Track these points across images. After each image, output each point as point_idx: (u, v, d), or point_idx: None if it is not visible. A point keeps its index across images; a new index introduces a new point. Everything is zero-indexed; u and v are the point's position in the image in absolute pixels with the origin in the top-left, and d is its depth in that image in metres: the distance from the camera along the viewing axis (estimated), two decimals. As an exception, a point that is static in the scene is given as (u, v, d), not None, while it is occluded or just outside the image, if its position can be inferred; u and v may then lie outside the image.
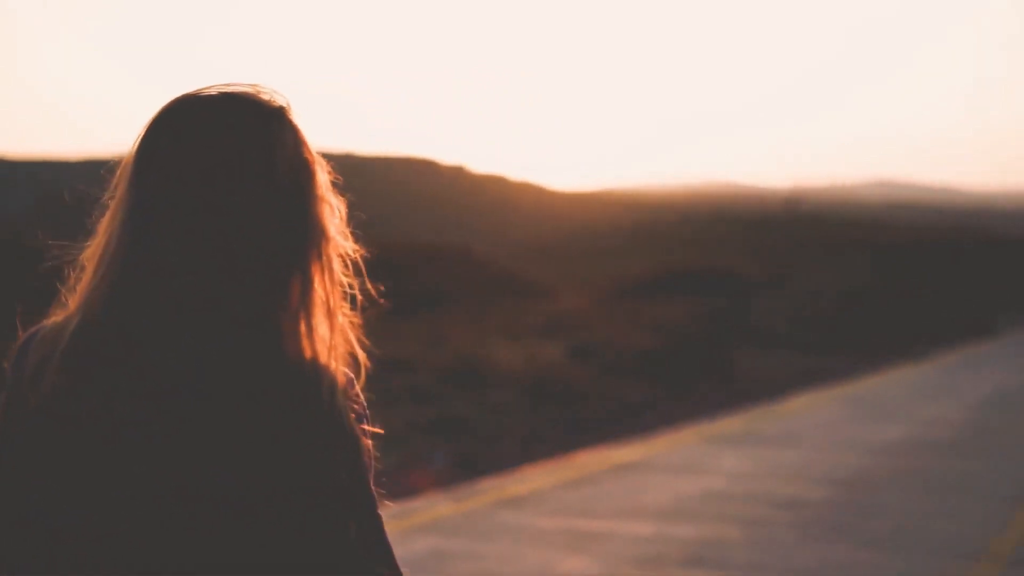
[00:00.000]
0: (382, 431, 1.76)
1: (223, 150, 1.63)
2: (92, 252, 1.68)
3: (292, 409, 1.62)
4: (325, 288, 1.67)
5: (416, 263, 32.66)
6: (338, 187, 1.73)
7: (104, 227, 1.67)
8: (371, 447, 1.71)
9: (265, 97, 1.68)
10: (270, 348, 1.63)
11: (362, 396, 1.74)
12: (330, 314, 1.68)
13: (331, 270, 1.68)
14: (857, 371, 21.20)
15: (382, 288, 1.86)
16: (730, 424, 14.68)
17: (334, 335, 1.68)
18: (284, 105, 1.69)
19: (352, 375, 1.72)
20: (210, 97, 1.66)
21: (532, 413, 15.39)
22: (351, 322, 1.73)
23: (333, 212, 1.70)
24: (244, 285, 1.61)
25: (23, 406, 1.63)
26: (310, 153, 1.69)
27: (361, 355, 1.74)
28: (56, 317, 1.70)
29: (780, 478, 11.09)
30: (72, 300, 1.69)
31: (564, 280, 38.15)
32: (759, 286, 34.78)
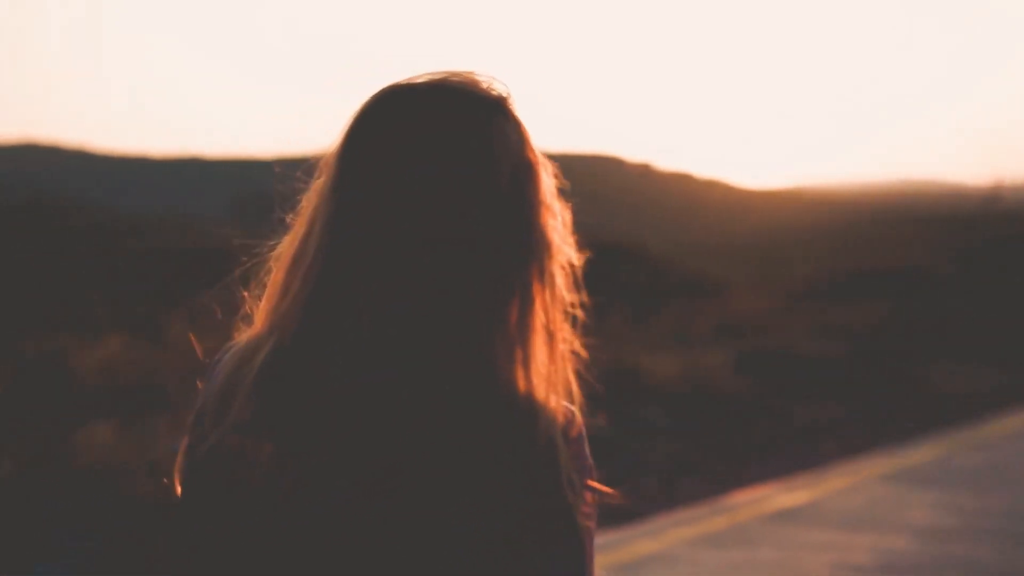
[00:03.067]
0: (612, 491, 1.52)
1: (437, 149, 1.45)
2: (284, 259, 1.51)
3: (504, 456, 1.41)
4: (546, 309, 1.48)
5: (587, 263, 30.98)
6: (563, 191, 1.55)
7: (299, 233, 1.50)
8: (592, 505, 1.49)
9: (484, 86, 1.50)
10: (483, 382, 1.43)
11: (586, 442, 1.51)
12: (551, 339, 1.48)
13: (553, 288, 1.49)
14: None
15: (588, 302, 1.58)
16: (920, 455, 12.21)
17: (554, 364, 1.48)
18: (505, 95, 1.51)
19: (574, 412, 1.51)
20: (422, 87, 1.49)
21: (685, 437, 13.17)
22: (572, 349, 1.52)
23: (557, 220, 1.51)
24: (457, 307, 1.43)
25: (207, 435, 1.47)
26: (534, 152, 1.50)
27: (576, 390, 1.51)
28: (246, 335, 1.54)
29: (983, 536, 8.68)
30: (259, 314, 1.53)
31: (746, 281, 36.00)
32: (956, 289, 31.83)
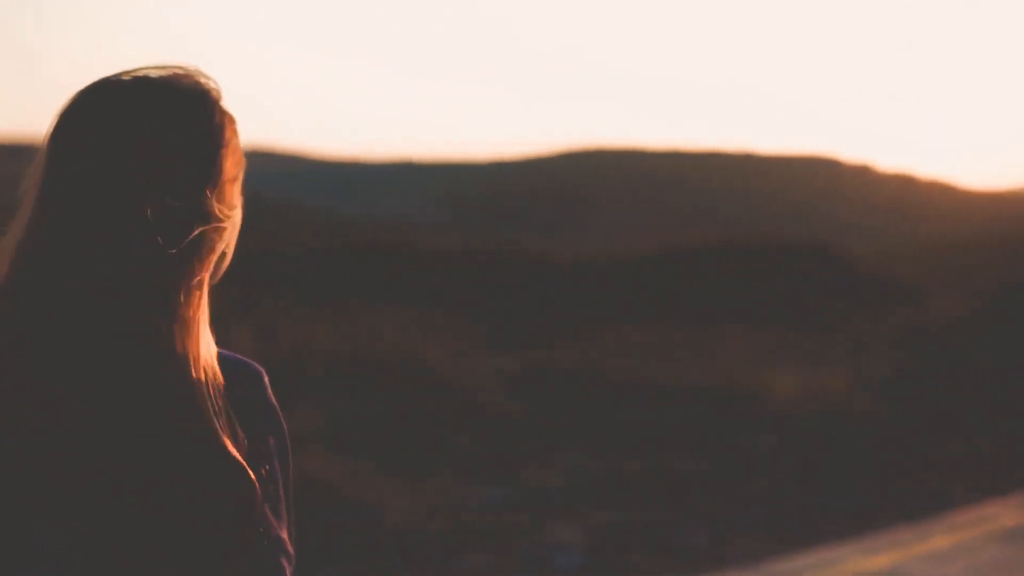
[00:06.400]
0: (286, 426, 1.66)
1: (131, 135, 1.58)
2: (7, 238, 1.64)
3: (180, 407, 1.53)
4: (213, 274, 1.63)
5: (779, 266, 29.00)
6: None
7: (18, 215, 1.64)
8: (278, 450, 1.63)
9: (188, 81, 1.63)
10: (162, 338, 1.55)
11: (270, 393, 1.67)
12: (208, 302, 1.63)
13: (223, 255, 1.65)
14: None
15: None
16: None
17: (205, 324, 1.62)
18: (209, 89, 1.64)
19: (257, 367, 1.68)
20: (126, 81, 1.63)
21: (784, 473, 11.06)
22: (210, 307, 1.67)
23: (236, 186, 1.65)
24: (140, 273, 1.55)
25: None
26: (233, 135, 1.64)
27: (214, 347, 1.64)
28: None
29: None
30: None
31: (948, 288, 33.33)
32: None
